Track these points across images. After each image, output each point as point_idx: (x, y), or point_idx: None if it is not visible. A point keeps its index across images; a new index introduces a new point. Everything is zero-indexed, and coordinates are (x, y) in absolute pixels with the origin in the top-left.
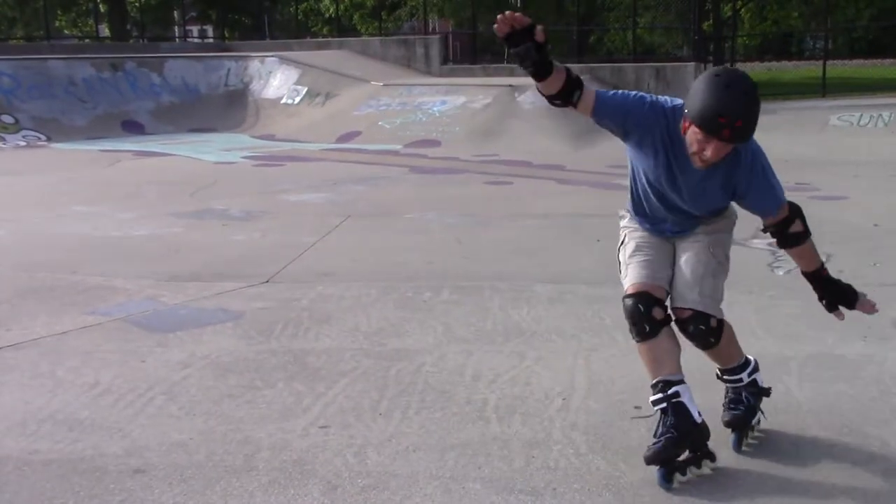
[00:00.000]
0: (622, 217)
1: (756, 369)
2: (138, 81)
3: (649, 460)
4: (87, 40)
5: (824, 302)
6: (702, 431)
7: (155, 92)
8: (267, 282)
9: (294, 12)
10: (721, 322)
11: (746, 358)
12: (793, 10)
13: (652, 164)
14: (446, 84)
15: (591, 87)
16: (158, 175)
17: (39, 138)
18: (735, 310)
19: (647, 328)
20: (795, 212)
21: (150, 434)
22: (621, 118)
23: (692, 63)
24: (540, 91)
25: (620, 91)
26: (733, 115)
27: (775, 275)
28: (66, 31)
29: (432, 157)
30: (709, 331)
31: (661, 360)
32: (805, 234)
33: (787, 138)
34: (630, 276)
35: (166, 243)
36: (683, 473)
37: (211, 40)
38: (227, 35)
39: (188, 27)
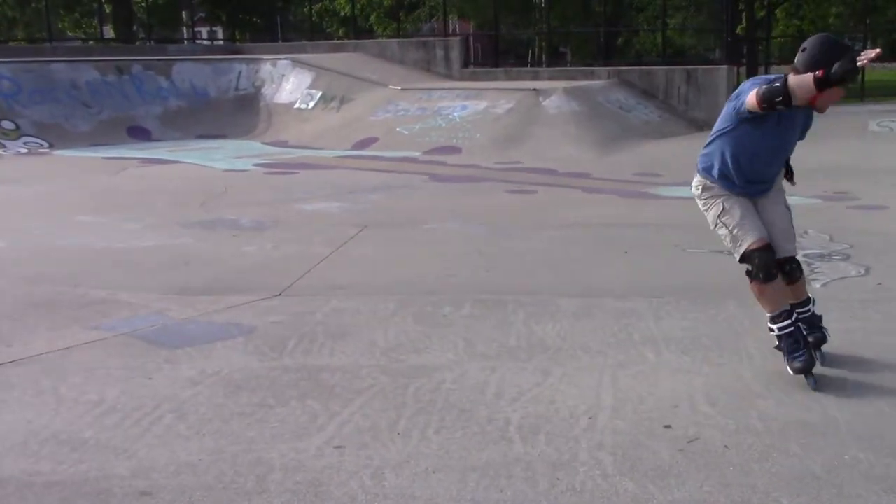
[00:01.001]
0: (707, 189)
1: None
2: (145, 85)
3: (800, 370)
4: (90, 42)
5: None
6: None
7: (162, 96)
8: (280, 295)
9: (308, 13)
10: None
11: (810, 296)
12: (831, 8)
13: (771, 129)
14: (467, 88)
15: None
16: (166, 183)
17: (41, 145)
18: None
19: (772, 273)
20: None
21: (158, 454)
22: None
23: (724, 66)
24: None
25: (750, 81)
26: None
27: (812, 287)
28: (68, 33)
29: (452, 164)
30: (799, 267)
31: (782, 295)
32: None
33: (824, 145)
34: (751, 234)
35: (174, 255)
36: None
37: (221, 42)
38: (237, 37)
39: (197, 28)
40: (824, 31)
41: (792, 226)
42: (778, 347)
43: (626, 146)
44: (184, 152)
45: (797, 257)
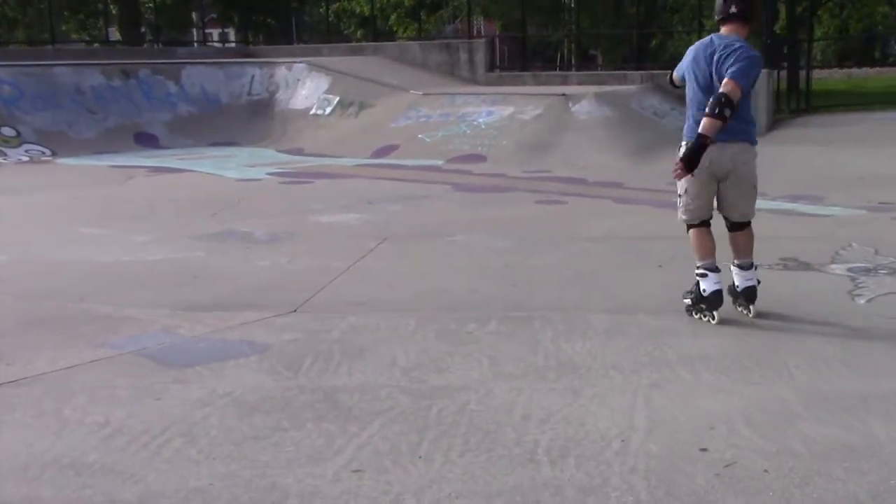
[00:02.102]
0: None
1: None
2: (153, 90)
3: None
4: (95, 45)
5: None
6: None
7: (171, 102)
8: (295, 311)
9: (325, 13)
10: None
11: None
12: (877, 7)
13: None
14: (493, 93)
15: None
16: (175, 193)
17: (43, 153)
18: (812, 341)
19: None
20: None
21: (166, 479)
22: None
23: (763, 70)
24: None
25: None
26: None
27: (856, 303)
28: (72, 35)
29: (477, 173)
30: None
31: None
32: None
33: (869, 152)
34: None
35: (184, 269)
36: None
37: (233, 45)
38: (250, 39)
39: (207, 30)
40: (870, 31)
41: None
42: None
43: (661, 154)
44: (194, 161)
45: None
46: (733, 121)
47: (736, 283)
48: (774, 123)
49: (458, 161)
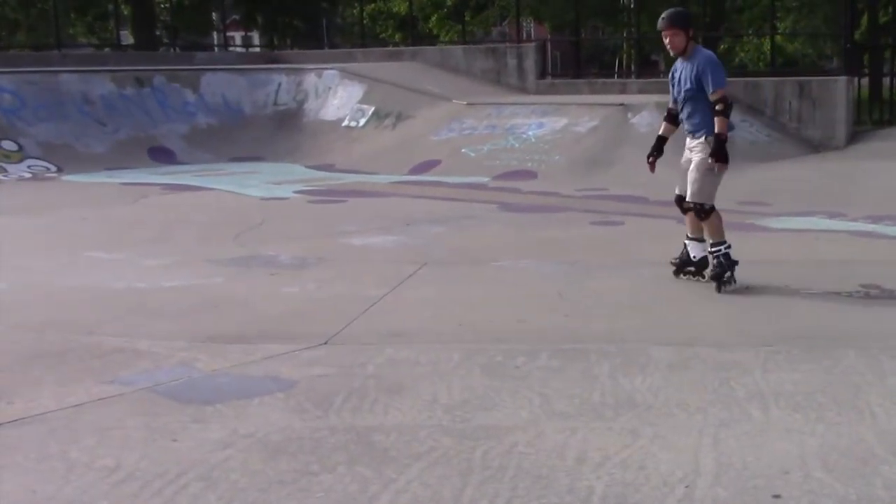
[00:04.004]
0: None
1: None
2: (169, 99)
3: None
4: (105, 49)
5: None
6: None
7: (189, 112)
8: (325, 343)
9: (358, 14)
10: None
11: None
12: None
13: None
14: (544, 103)
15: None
16: (193, 214)
17: (48, 169)
18: (895, 378)
19: None
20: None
21: None
22: None
23: (842, 77)
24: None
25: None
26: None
27: None
28: (80, 39)
29: (527, 191)
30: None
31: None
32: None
33: None
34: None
35: (202, 297)
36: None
37: (257, 49)
38: (276, 43)
39: (229, 33)
40: None
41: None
42: (719, 268)
43: (729, 170)
44: (214, 177)
45: None
46: None
47: (694, 255)
48: (855, 136)
49: (505, 178)
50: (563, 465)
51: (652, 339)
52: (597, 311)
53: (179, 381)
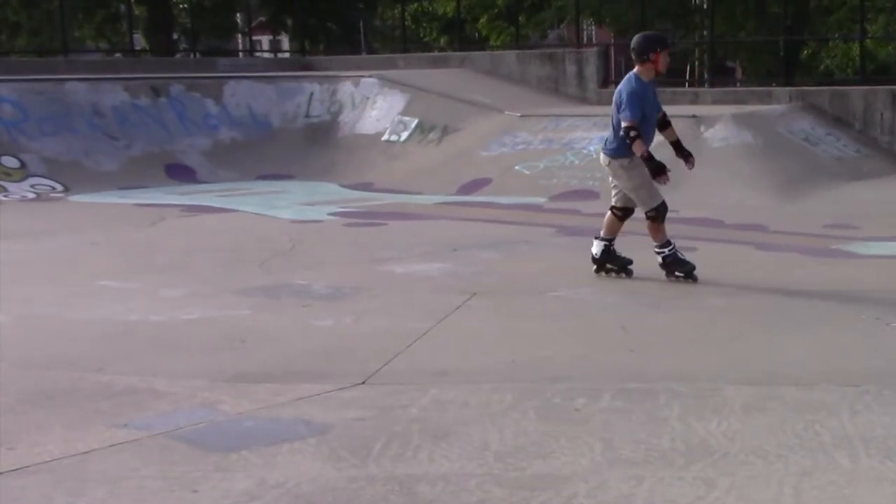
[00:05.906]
0: (630, 159)
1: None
2: (188, 111)
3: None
4: (117, 55)
5: (682, 154)
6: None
7: (211, 125)
8: (363, 383)
9: (400, 15)
10: None
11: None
12: None
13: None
14: (606, 114)
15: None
16: (215, 238)
17: (53, 188)
18: None
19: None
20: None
21: None
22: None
23: None
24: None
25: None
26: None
27: None
28: (88, 43)
29: (587, 213)
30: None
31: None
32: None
33: None
34: (658, 192)
35: (226, 331)
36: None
37: (286, 54)
38: (307, 48)
39: (255, 37)
40: None
41: None
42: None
43: (813, 190)
44: (239, 198)
45: None
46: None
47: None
48: None
49: (563, 198)
50: None
51: (726, 378)
52: (665, 347)
53: (200, 425)
